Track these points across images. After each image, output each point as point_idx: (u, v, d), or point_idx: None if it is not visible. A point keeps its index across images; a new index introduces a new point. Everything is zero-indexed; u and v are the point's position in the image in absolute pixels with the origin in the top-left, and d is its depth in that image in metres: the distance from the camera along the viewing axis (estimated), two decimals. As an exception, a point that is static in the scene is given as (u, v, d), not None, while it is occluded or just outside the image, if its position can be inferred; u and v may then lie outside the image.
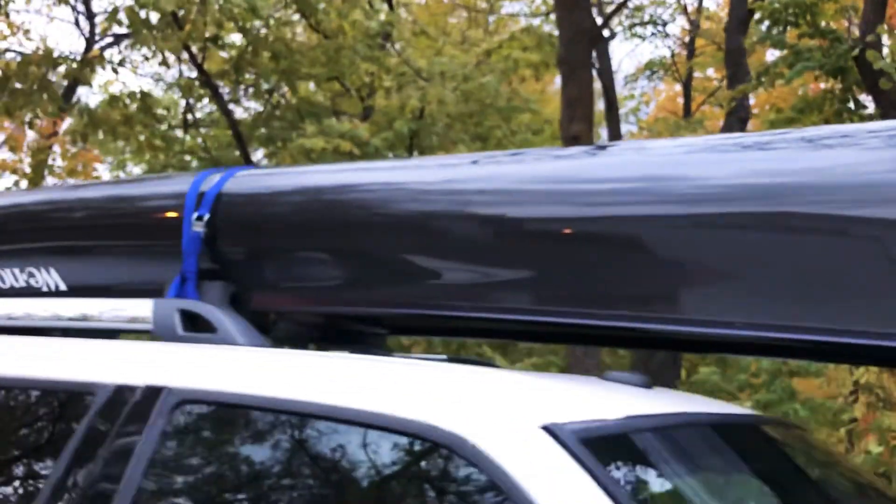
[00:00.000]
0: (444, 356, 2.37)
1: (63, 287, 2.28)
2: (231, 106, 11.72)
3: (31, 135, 12.75)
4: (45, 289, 2.29)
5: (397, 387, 1.23)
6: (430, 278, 1.92)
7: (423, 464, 1.10)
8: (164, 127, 11.38)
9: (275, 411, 1.19)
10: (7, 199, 2.79)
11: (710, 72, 17.46)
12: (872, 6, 7.50)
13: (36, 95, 8.97)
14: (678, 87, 17.13)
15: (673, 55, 16.61)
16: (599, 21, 8.99)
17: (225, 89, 9.98)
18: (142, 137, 10.69)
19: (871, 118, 8.91)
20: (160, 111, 11.44)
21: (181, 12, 7.98)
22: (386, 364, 1.46)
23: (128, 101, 10.30)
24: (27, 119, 9.42)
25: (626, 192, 1.74)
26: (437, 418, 1.05)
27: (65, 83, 11.71)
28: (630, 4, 15.25)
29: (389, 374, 1.34)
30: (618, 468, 1.05)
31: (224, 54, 9.35)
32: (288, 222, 2.03)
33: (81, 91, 12.78)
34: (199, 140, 12.04)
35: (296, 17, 9.48)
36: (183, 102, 11.25)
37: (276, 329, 2.10)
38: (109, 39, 11.97)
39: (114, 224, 2.24)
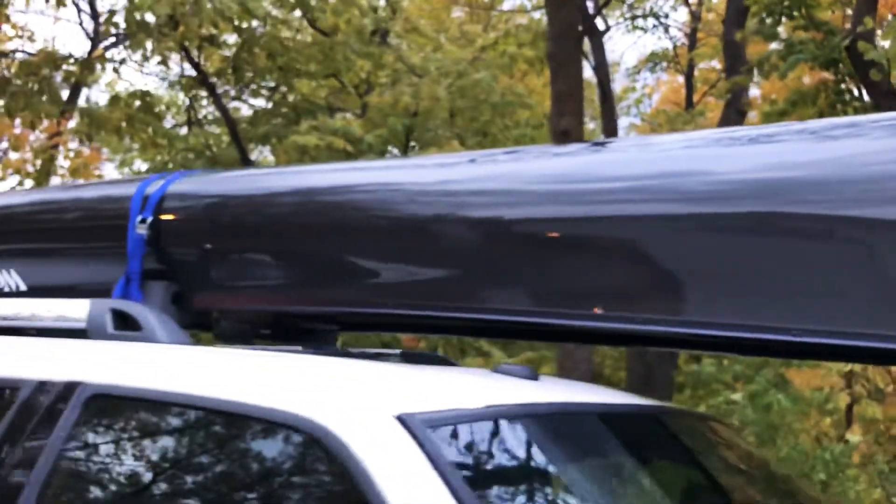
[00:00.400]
0: (398, 351, 2.47)
1: (23, 287, 2.40)
2: (235, 103, 11.87)
3: (37, 135, 12.96)
4: (6, 289, 2.41)
5: (273, 379, 1.33)
6: (358, 278, 2.02)
7: (286, 451, 1.20)
8: (167, 126, 11.55)
9: (161, 403, 1.29)
10: None
11: (715, 63, 17.42)
12: (865, -1, 7.50)
13: (36, 97, 9.13)
14: (681, 79, 17.13)
15: (675, 47, 16.62)
16: (594, 13, 9.03)
17: (225, 87, 10.10)
18: (144, 136, 10.85)
19: (864, 110, 8.93)
20: (163, 109, 11.61)
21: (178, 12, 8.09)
22: (273, 359, 1.55)
23: (129, 100, 10.48)
24: (28, 120, 9.57)
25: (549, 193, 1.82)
26: (301, 408, 1.15)
27: (72, 82, 11.92)
28: (629, -3, 15.31)
29: (269, 368, 1.44)
30: (465, 455, 1.14)
31: (225, 52, 9.46)
32: (225, 224, 2.13)
33: (91, 90, 12.98)
34: (202, 138, 12.18)
35: (293, 14, 9.57)
36: (185, 101, 11.37)
37: (219, 327, 2.20)
38: (113, 39, 12.14)
39: (68, 227, 2.35)
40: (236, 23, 8.98)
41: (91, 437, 1.34)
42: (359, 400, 1.15)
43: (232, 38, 9.50)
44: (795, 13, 8.82)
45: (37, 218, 2.48)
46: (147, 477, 1.26)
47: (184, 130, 12.77)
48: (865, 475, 5.43)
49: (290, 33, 10.60)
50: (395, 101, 8.56)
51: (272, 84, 10.22)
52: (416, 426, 1.09)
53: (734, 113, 11.84)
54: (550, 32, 7.98)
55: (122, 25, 8.43)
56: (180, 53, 9.40)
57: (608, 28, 11.74)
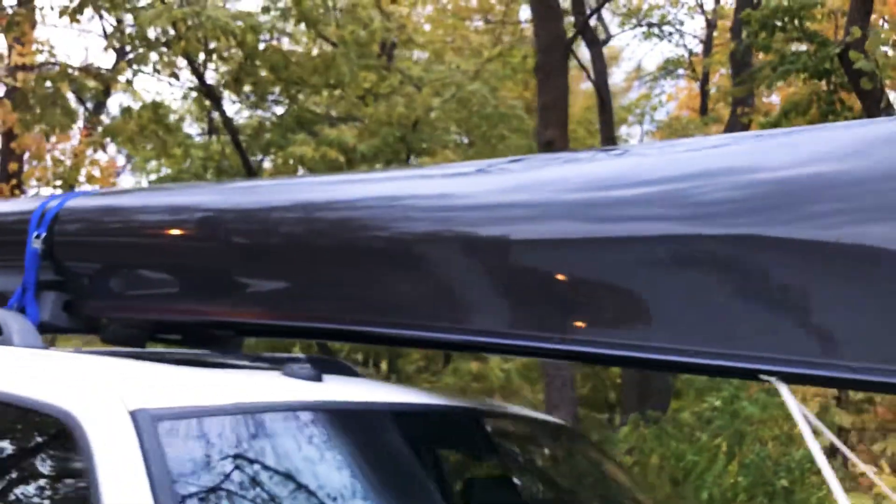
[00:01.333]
0: (304, 356, 2.67)
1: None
2: (247, 113, 12.21)
3: (66, 145, 13.47)
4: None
5: (43, 374, 1.53)
6: (220, 290, 2.22)
7: (38, 437, 1.39)
8: (182, 135, 11.91)
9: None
10: None
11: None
12: (857, 7, 7.54)
13: (49, 110, 9.52)
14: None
15: (690, 54, 16.63)
16: (583, 24, 9.14)
17: (232, 98, 10.42)
18: (157, 146, 11.24)
19: (856, 118, 8.94)
20: (176, 120, 11.98)
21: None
22: (66, 359, 1.75)
23: (142, 112, 10.85)
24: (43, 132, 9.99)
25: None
26: (56, 398, 1.34)
27: (92, 94, 12.37)
28: (645, 4, 15.37)
29: (52, 365, 1.65)
30: (192, 450, 1.31)
31: (225, 68, 9.76)
32: (106, 239, 2.34)
33: (113, 101, 13.38)
34: (217, 146, 12.53)
35: (291, 27, 9.84)
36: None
37: (107, 332, 2.42)
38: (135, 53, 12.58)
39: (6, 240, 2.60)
40: (239, 38, 9.27)
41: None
42: (106, 394, 1.34)
43: (236, 51, 9.78)
44: (789, 25, 8.87)
45: None
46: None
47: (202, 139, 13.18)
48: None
49: (297, 45, 10.90)
50: (389, 112, 8.78)
51: (276, 96, 10.50)
52: (144, 420, 1.27)
53: (739, 120, 11.90)
54: (537, 45, 8.14)
55: (128, 41, 8.75)
56: (189, 66, 9.72)
57: (609, 38, 11.83)
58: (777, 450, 5.90)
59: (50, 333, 2.41)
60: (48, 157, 11.30)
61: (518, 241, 1.74)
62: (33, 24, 11.48)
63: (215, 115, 12.09)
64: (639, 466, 7.75)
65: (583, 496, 2.08)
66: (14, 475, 1.40)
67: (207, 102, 10.31)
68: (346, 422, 1.56)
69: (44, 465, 1.38)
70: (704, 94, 15.94)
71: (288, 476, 1.38)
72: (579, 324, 1.61)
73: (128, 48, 11.58)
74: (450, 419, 1.86)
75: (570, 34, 8.99)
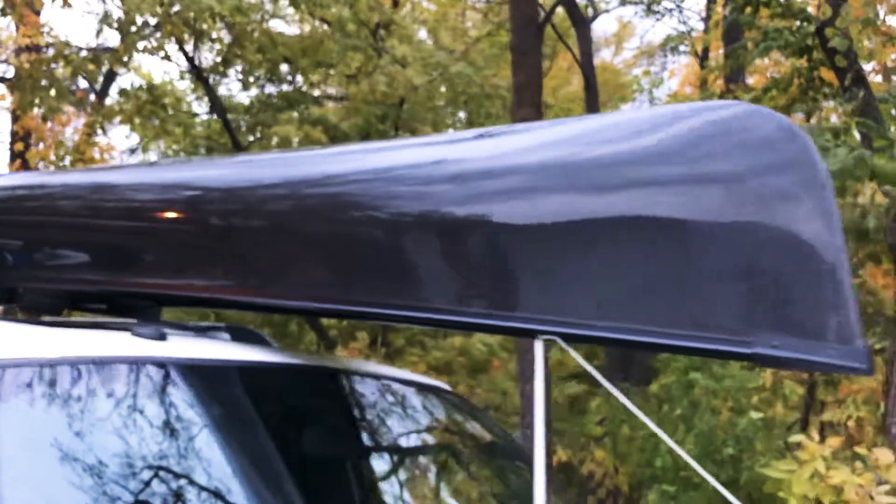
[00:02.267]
0: (223, 325, 2.91)
1: None
2: (244, 93, 12.45)
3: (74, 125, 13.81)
4: None
5: None
6: (119, 260, 2.46)
7: None
8: (182, 115, 12.20)
9: None
10: None
11: (734, 46, 17.31)
12: (831, -16, 7.60)
13: (44, 91, 9.81)
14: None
15: (689, 31, 16.61)
16: (553, 5, 9.28)
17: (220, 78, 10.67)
18: (155, 126, 11.53)
19: (835, 96, 9.04)
20: (173, 100, 12.24)
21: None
22: None
23: (137, 92, 11.14)
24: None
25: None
26: None
27: (90, 73, 12.66)
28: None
29: None
30: (12, 393, 1.54)
31: (216, 49, 9.99)
32: (21, 218, 2.60)
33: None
34: (215, 126, 12.79)
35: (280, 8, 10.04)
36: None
37: (24, 301, 2.68)
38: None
39: None
40: (227, 19, 9.49)
41: None
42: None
43: (225, 33, 10.01)
44: (773, 1, 8.93)
45: None
46: None
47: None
48: (773, 450, 5.69)
49: (289, 26, 11.10)
50: (372, 90, 8.98)
51: (269, 77, 10.72)
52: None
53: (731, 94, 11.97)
54: (512, 24, 8.29)
55: (115, 25, 9.00)
56: (179, 48, 9.96)
57: (596, 16, 11.91)
58: (727, 419, 6.10)
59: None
60: (49, 138, 11.60)
61: None
62: (37, 7, 11.78)
63: (224, 92, 12.35)
64: (609, 437, 7.98)
65: (434, 456, 2.30)
66: None
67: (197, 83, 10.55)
68: (175, 375, 1.79)
69: None
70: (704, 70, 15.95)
71: (101, 424, 1.62)
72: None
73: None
74: (297, 377, 2.08)
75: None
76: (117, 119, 11.98)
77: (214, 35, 9.58)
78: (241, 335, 2.62)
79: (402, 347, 10.79)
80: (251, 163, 2.52)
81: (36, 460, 1.52)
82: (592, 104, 10.56)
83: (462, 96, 9.52)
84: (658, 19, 18.78)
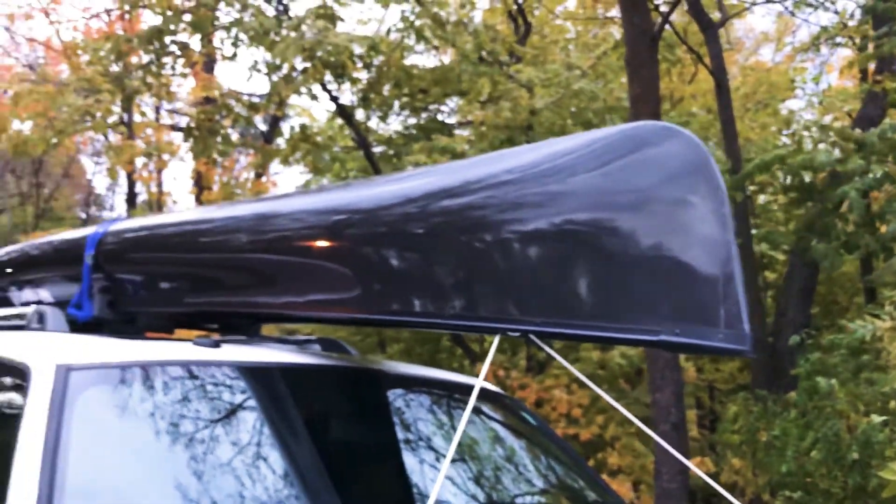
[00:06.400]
0: (315, 338, 3.38)
1: (50, 299, 3.61)
2: (386, 126, 13.24)
3: (239, 167, 15.21)
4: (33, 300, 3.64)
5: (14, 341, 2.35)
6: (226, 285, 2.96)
7: (8, 383, 2.16)
8: (331, 151, 13.15)
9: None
10: None
11: None
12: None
13: (211, 140, 10.98)
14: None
15: (844, 23, 15.72)
16: (664, 19, 9.24)
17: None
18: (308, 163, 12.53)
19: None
20: (326, 139, 13.22)
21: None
22: (53, 336, 2.55)
23: (293, 134, 12.16)
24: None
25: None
26: (20, 357, 2.12)
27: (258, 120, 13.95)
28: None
29: (44, 339, 2.45)
30: (95, 388, 2.03)
31: (356, 87, 10.76)
32: (135, 254, 3.18)
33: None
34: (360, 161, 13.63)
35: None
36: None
37: (140, 322, 3.26)
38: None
39: (58, 259, 3.54)
40: (365, 60, 10.24)
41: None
42: (47, 354, 2.11)
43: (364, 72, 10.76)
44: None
45: (38, 253, 3.73)
46: None
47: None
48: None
49: (426, 58, 11.72)
50: (497, 115, 9.36)
51: (408, 108, 11.38)
52: (61, 369, 2.01)
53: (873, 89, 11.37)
54: (626, 38, 8.41)
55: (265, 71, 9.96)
56: (322, 89, 10.80)
57: (726, 20, 11.69)
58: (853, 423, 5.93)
59: (102, 324, 3.28)
60: (216, 182, 12.86)
61: None
62: (210, 64, 13.17)
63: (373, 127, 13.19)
64: (746, 445, 7.86)
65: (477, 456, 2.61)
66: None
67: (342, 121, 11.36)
68: (225, 376, 2.25)
69: (12, 397, 2.17)
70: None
71: (161, 409, 2.09)
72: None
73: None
74: (342, 378, 2.50)
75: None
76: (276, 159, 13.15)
77: (355, 75, 10.33)
78: (328, 345, 3.08)
79: (546, 361, 11.02)
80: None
81: (111, 432, 2.02)
82: (726, 107, 10.43)
83: (587, 112, 9.71)
84: (812, 12, 17.90)
